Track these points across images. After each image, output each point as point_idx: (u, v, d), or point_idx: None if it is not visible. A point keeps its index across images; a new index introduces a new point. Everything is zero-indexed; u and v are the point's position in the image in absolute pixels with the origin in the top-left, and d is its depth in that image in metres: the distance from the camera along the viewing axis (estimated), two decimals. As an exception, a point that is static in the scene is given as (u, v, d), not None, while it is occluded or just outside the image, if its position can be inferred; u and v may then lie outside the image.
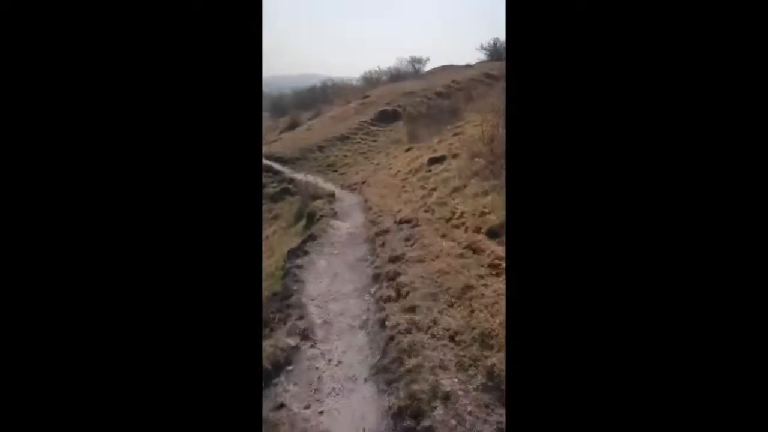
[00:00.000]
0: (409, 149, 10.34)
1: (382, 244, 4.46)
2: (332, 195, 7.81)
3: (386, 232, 4.86)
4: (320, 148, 12.71)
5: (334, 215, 6.50)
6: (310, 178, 10.37)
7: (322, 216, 6.34)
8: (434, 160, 7.07)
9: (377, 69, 23.89)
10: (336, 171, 10.98)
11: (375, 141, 13.17)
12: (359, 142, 13.09)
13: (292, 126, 17.77)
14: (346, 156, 12.09)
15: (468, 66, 21.74)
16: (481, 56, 23.03)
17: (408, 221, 4.90)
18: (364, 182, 9.01)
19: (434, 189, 5.71)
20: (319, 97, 23.67)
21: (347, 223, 5.99)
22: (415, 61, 23.22)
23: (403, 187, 6.73)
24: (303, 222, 6.86)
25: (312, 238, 5.24)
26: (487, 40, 27.81)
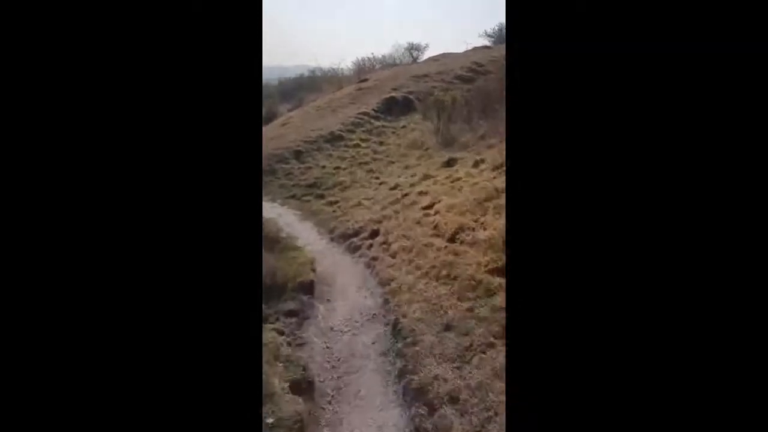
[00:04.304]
0: (450, 162, 5.87)
1: None
2: (309, 287, 3.29)
3: None
4: (298, 154, 8.13)
5: None
6: (275, 212, 5.85)
7: None
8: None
9: (371, 56, 20.30)
10: (322, 197, 6.45)
11: (382, 144, 8.61)
12: (358, 145, 8.49)
13: (267, 119, 13.30)
14: (337, 168, 7.53)
15: (486, 47, 17.97)
16: (486, 43, 20.00)
17: None
18: (376, 232, 4.54)
19: None
20: (306, 86, 20.14)
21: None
22: (413, 48, 19.79)
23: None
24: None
25: None
26: (491, 26, 24.81)
